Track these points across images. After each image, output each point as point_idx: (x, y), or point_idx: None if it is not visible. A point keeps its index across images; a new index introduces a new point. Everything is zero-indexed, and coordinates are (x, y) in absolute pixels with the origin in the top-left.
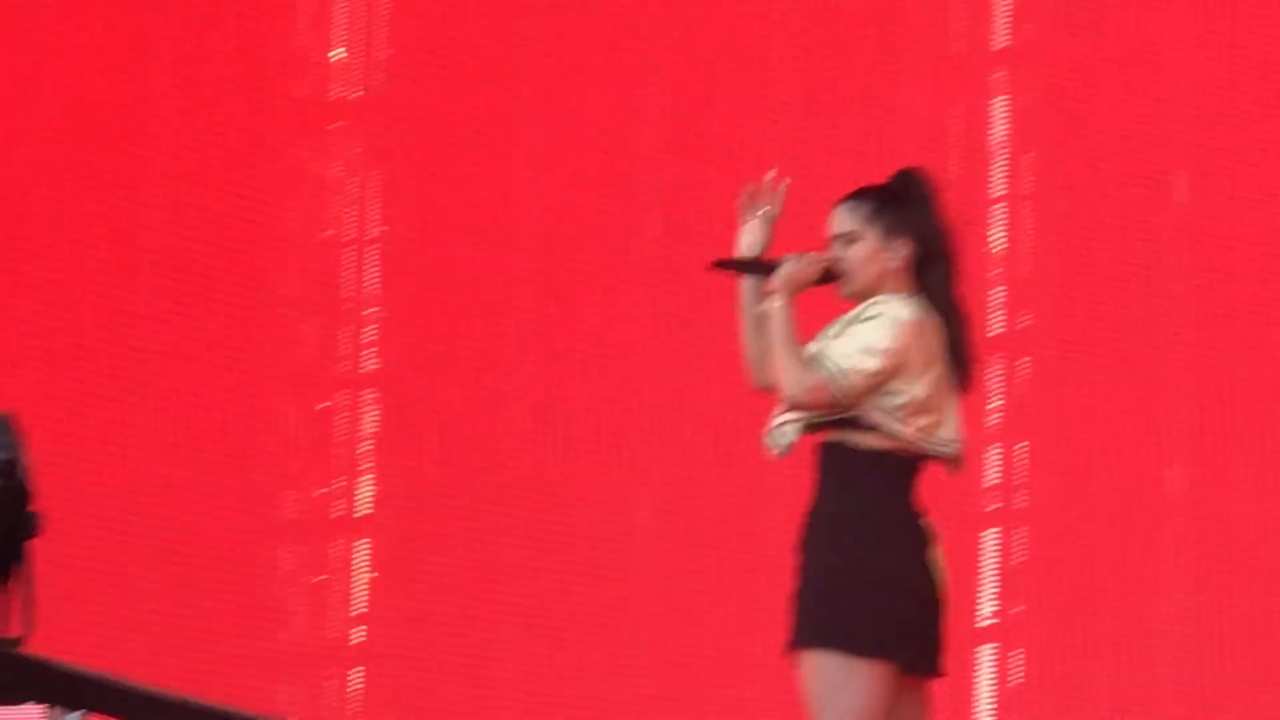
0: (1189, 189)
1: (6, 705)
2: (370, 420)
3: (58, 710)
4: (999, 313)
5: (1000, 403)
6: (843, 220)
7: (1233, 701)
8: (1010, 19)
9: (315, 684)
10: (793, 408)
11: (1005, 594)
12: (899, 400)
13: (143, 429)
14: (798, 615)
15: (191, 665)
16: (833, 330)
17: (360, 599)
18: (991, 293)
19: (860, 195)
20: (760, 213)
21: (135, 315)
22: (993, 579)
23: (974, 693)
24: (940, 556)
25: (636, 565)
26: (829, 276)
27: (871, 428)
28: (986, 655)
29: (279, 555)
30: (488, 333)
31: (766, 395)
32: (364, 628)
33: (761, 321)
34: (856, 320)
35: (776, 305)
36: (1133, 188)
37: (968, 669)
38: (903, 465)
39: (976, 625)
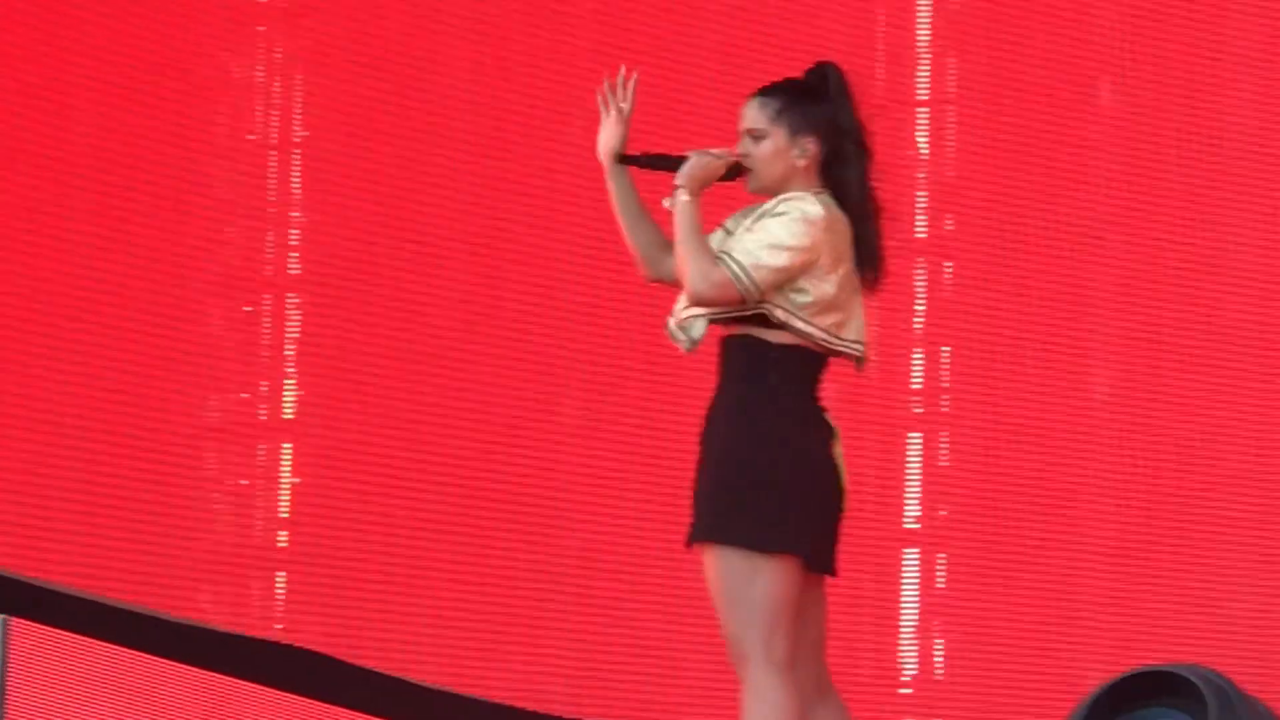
0: (1113, 92)
1: None
2: (294, 324)
3: None
4: (922, 217)
5: (923, 307)
6: (751, 116)
7: (1158, 603)
8: None
9: (239, 588)
10: (697, 303)
11: (928, 498)
12: (807, 298)
13: (67, 330)
14: (701, 509)
15: (115, 569)
16: (736, 224)
17: (282, 503)
18: (916, 197)
19: (769, 91)
20: (614, 110)
21: (60, 218)
22: (917, 482)
23: (899, 596)
24: (840, 453)
25: (563, 460)
26: (735, 172)
27: (778, 324)
28: (910, 559)
29: (204, 459)
30: (411, 236)
31: (659, 286)
32: (285, 532)
33: (642, 214)
34: (766, 215)
35: (682, 200)
36: (1057, 91)
37: (893, 573)
38: (808, 361)
39: (903, 530)
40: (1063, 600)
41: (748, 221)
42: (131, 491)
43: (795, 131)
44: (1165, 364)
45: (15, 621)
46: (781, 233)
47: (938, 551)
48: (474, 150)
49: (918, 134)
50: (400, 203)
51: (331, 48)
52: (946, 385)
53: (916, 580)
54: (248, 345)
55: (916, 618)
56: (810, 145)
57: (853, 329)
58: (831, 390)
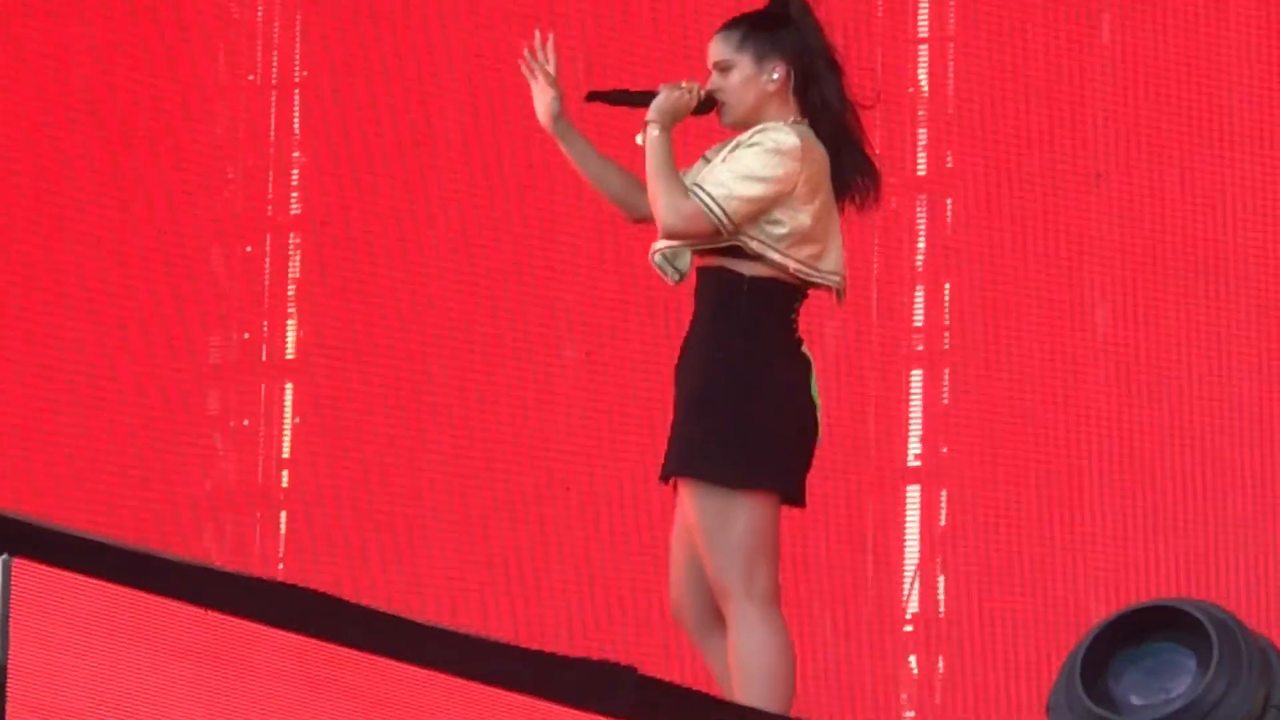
0: (1115, 28)
1: None
2: (295, 264)
3: None
4: (923, 154)
5: (924, 244)
6: (716, 49)
7: (1157, 535)
8: None
9: (241, 527)
10: (669, 236)
11: (930, 435)
12: (782, 229)
13: (68, 273)
14: (678, 444)
15: (117, 508)
16: (717, 153)
17: (284, 443)
18: (917, 134)
19: (732, 23)
20: (540, 74)
21: (62, 160)
22: (919, 419)
23: (902, 534)
24: (816, 386)
25: (564, 398)
26: (707, 106)
27: (753, 256)
28: (912, 496)
29: (206, 399)
30: (412, 175)
31: (643, 226)
32: (287, 472)
33: (605, 163)
34: (740, 146)
35: (653, 135)
36: (1059, 27)
37: (896, 510)
38: (783, 293)
39: (904, 465)
40: (1065, 536)
41: (722, 152)
42: (134, 432)
43: (761, 57)
44: (1166, 298)
45: (17, 561)
46: (754, 163)
47: (940, 488)
48: (475, 89)
49: (919, 71)
50: (401, 142)
51: None
52: (948, 322)
53: (919, 517)
54: (249, 286)
55: (919, 555)
56: (778, 69)
57: (831, 260)
58: (833, 327)
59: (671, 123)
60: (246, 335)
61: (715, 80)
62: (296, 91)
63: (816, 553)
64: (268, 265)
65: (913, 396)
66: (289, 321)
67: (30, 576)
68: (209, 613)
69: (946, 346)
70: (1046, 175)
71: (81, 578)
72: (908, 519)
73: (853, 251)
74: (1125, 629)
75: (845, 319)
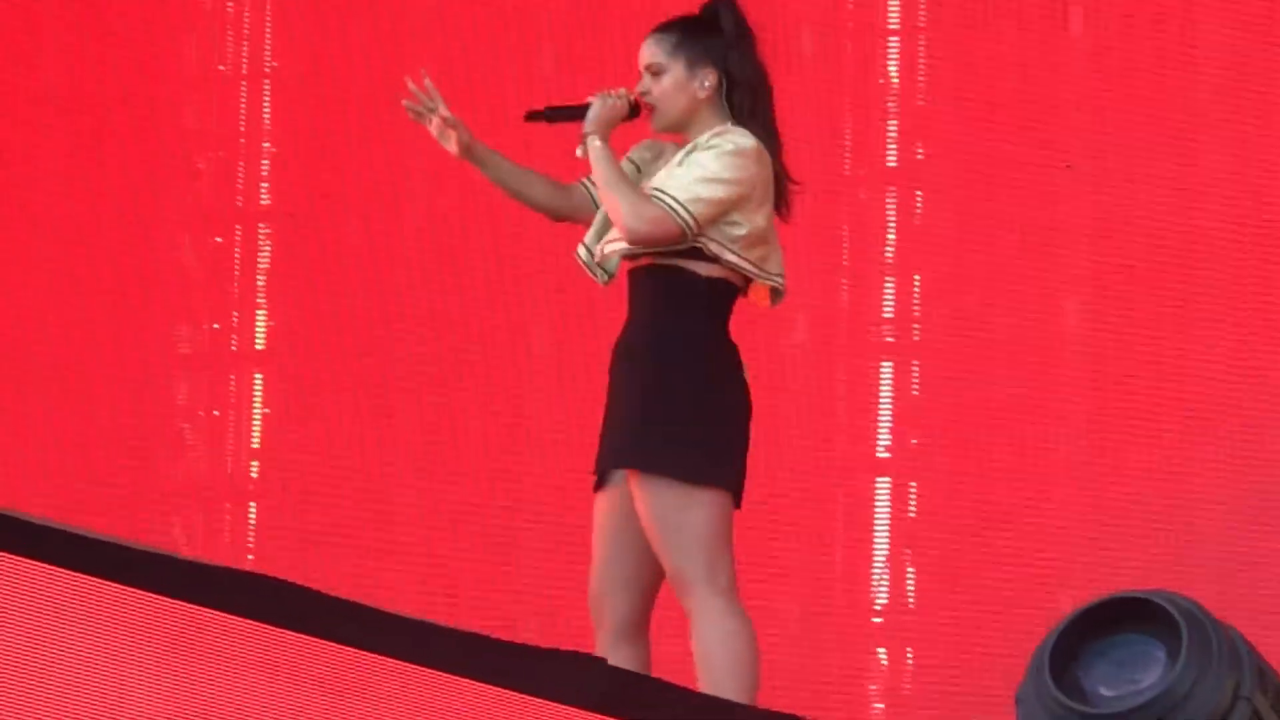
0: (1085, 19)
1: None
2: (265, 255)
3: None
4: (893, 146)
5: (894, 236)
6: (649, 52)
7: (1127, 527)
8: None
9: (211, 518)
10: (635, 241)
11: (900, 427)
12: (740, 230)
13: (37, 264)
14: (633, 438)
15: (86, 499)
16: (641, 155)
17: (253, 434)
18: (886, 126)
19: (665, 27)
20: (435, 119)
21: (31, 150)
22: (888, 411)
23: (871, 526)
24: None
25: (531, 394)
26: (637, 110)
27: (710, 257)
28: (882, 488)
29: (175, 389)
30: (383, 165)
31: (560, 223)
32: (256, 463)
33: (522, 173)
34: (697, 149)
35: (595, 147)
36: (1029, 18)
37: (865, 502)
38: (730, 294)
39: (873, 457)
40: (1034, 528)
41: (677, 156)
42: (102, 422)
43: (694, 64)
44: (1137, 292)
45: None
46: (716, 165)
47: (909, 480)
48: (447, 78)
49: (888, 63)
50: (371, 133)
51: None
52: (917, 314)
53: (888, 509)
54: (219, 276)
55: (888, 547)
56: (710, 77)
57: (775, 261)
58: (803, 319)
59: (608, 131)
60: (216, 326)
61: (646, 83)
62: (267, 82)
63: (785, 544)
64: (237, 256)
65: (882, 388)
66: (259, 312)
67: None
68: (177, 602)
69: (916, 338)
70: (1017, 167)
71: (50, 569)
72: (877, 510)
73: (822, 243)
74: (1094, 620)
75: (815, 309)
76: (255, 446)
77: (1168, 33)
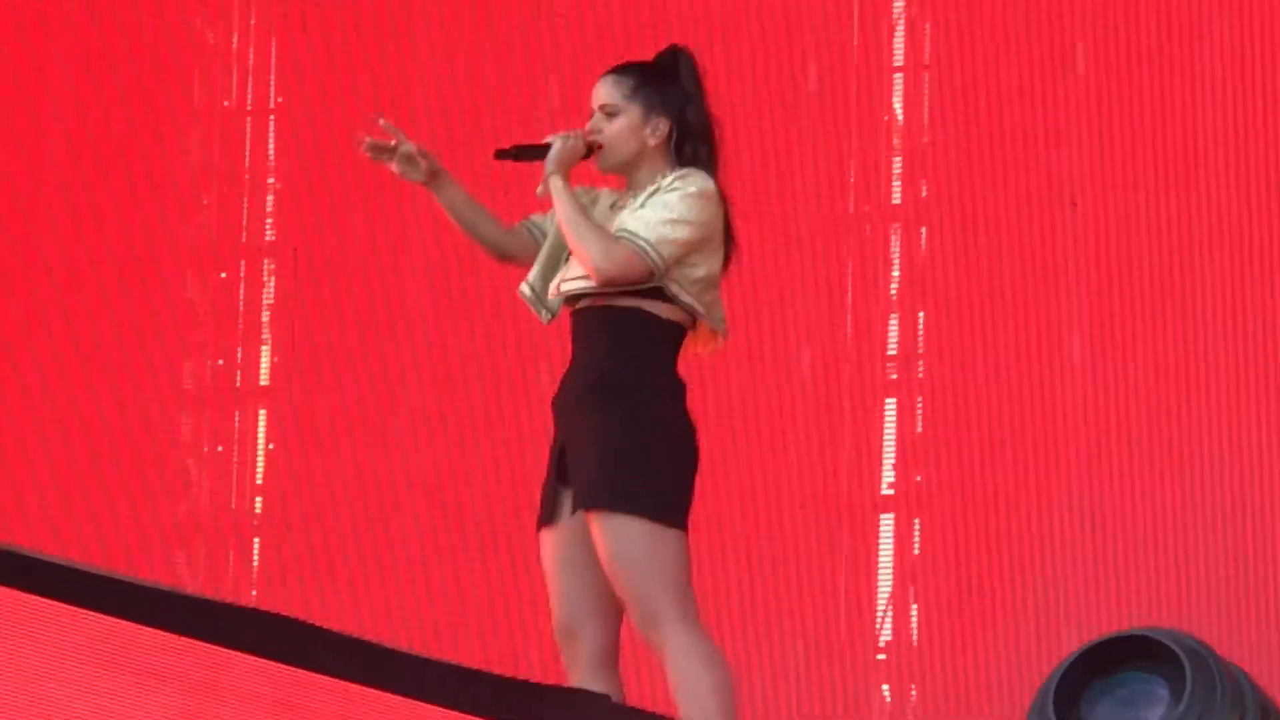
0: (1089, 58)
1: None
2: (269, 291)
3: None
4: (897, 183)
5: (899, 273)
6: (605, 92)
7: (1130, 564)
8: None
9: (215, 553)
10: (604, 281)
11: (904, 464)
12: (699, 272)
13: (42, 299)
14: (600, 477)
15: (90, 534)
16: (610, 200)
17: (258, 469)
18: (891, 163)
19: (624, 70)
20: (399, 158)
21: (36, 186)
22: (892, 449)
23: (875, 562)
24: None
25: (537, 424)
26: (590, 150)
27: (668, 299)
28: (886, 525)
29: (180, 425)
30: (385, 202)
31: (504, 263)
32: (260, 499)
33: (477, 209)
34: (660, 191)
35: (559, 186)
36: (1033, 57)
37: (869, 539)
38: (681, 335)
39: (880, 495)
40: (1038, 565)
41: (639, 198)
42: (107, 458)
43: (649, 110)
44: (1139, 329)
45: None
46: (681, 207)
47: (913, 517)
48: (449, 115)
49: (894, 100)
50: (374, 168)
51: (305, 14)
52: (922, 351)
53: (892, 546)
54: (223, 311)
55: (892, 583)
56: (663, 125)
57: (719, 306)
58: (807, 354)
59: (568, 170)
60: (221, 361)
61: (598, 121)
62: (271, 117)
63: (790, 580)
64: (242, 291)
65: (886, 424)
66: (263, 347)
67: (3, 602)
68: (182, 638)
69: (920, 375)
70: (1021, 204)
71: (55, 604)
72: (881, 547)
73: (827, 279)
74: (1098, 658)
75: (819, 345)
76: (259, 482)
77: (1171, 71)
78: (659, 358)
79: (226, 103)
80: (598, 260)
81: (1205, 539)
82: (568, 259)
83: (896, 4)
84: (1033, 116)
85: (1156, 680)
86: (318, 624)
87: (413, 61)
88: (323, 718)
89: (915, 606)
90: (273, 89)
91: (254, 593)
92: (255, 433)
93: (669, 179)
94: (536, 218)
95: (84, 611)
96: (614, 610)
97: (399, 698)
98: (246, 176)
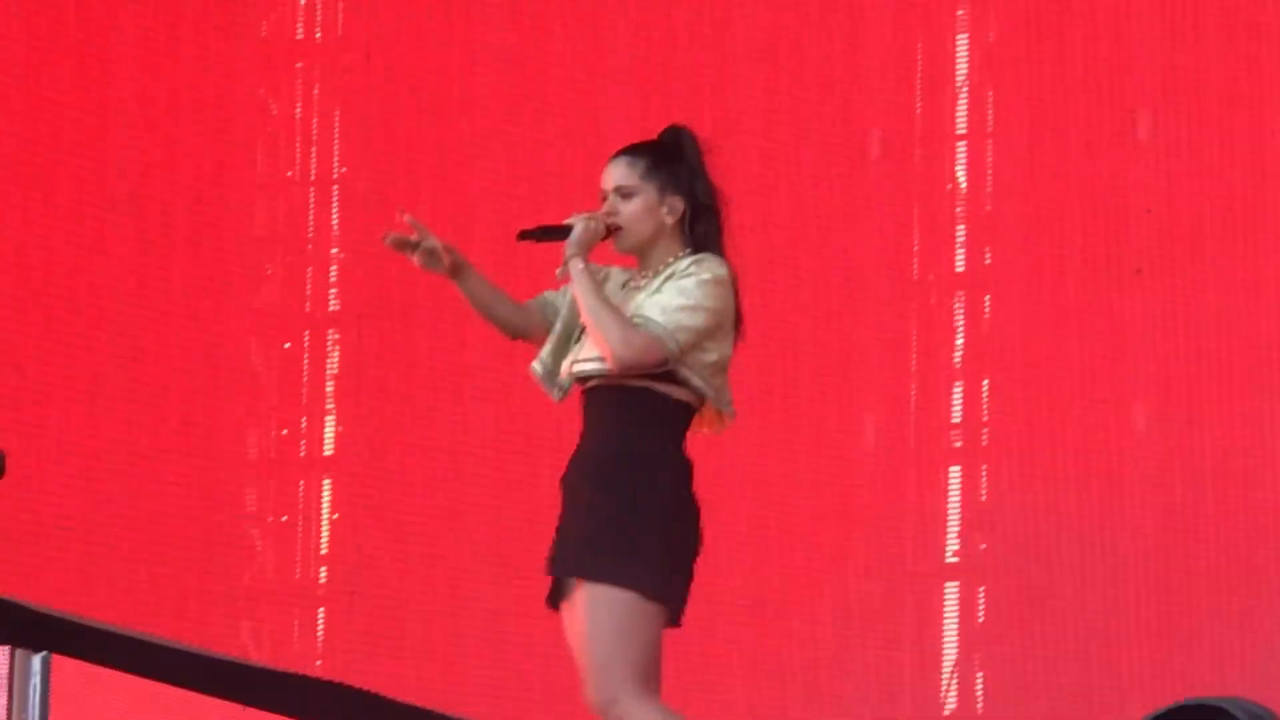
0: (1152, 126)
1: None
2: (333, 359)
3: (21, 651)
4: (961, 251)
5: (963, 340)
6: (620, 174)
7: (1199, 634)
8: None
9: (280, 623)
10: (623, 368)
11: (968, 531)
12: (711, 357)
13: (108, 368)
14: (598, 549)
15: (156, 605)
16: (622, 279)
17: (322, 538)
18: (955, 231)
19: (635, 151)
20: (421, 253)
21: (102, 255)
22: (956, 516)
23: (940, 631)
24: None
25: None
26: (609, 232)
27: (680, 381)
28: (951, 593)
29: (244, 494)
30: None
31: (520, 341)
32: (325, 568)
33: (496, 294)
34: (676, 276)
35: (579, 269)
36: (1096, 125)
37: (934, 607)
38: (690, 415)
39: (944, 562)
40: (1104, 634)
41: (654, 283)
42: (172, 528)
43: (664, 190)
44: (1205, 396)
45: (56, 657)
46: (698, 294)
47: (978, 585)
48: (511, 184)
49: (957, 168)
50: (439, 237)
51: (369, 84)
52: (986, 419)
53: (957, 614)
54: (287, 381)
55: (957, 652)
56: (678, 204)
57: (728, 389)
58: (871, 423)
59: (588, 252)
60: (285, 431)
61: (613, 203)
62: (335, 187)
63: (855, 649)
64: (306, 361)
65: (951, 493)
66: (327, 417)
67: (70, 673)
68: (247, 710)
69: (984, 443)
70: (1085, 271)
71: (120, 674)
72: (946, 615)
73: (891, 347)
74: None
75: (885, 413)
76: (323, 552)
77: (1235, 136)
78: (666, 437)
79: (290, 173)
80: (616, 347)
81: (1273, 606)
82: (579, 338)
83: (959, 72)
84: (1096, 183)
85: None
86: (383, 694)
87: (473, 132)
88: None
89: (980, 675)
90: (336, 159)
91: (319, 663)
92: (320, 502)
93: (685, 264)
94: (550, 295)
95: (152, 682)
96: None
97: None
98: (310, 246)
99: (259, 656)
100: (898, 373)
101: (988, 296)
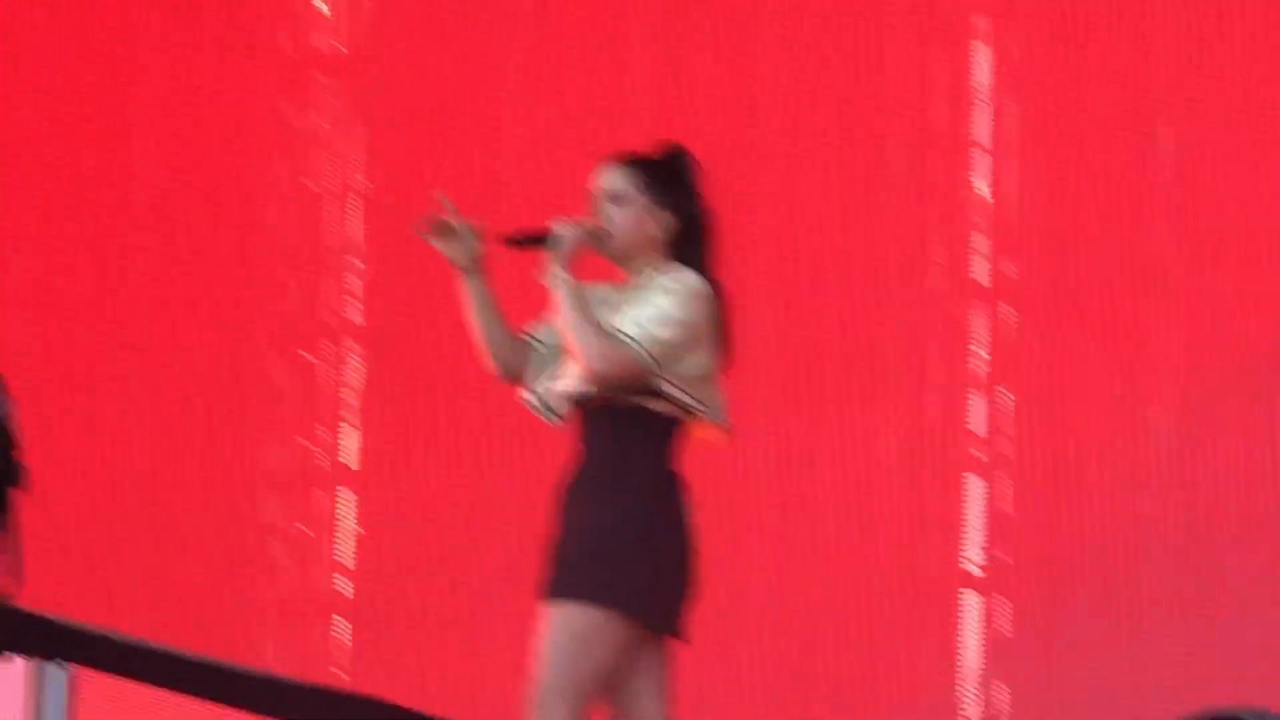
0: (1175, 138)
1: None
2: (354, 372)
3: (45, 664)
4: (984, 261)
5: (984, 351)
6: (617, 180)
7: (1223, 642)
8: None
9: (300, 636)
10: (599, 381)
11: (990, 542)
12: (690, 370)
13: (128, 380)
14: (568, 568)
15: (176, 617)
16: (605, 295)
17: (344, 551)
18: (976, 241)
19: (634, 161)
20: (454, 233)
21: (123, 268)
22: (978, 527)
23: (961, 642)
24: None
25: None
26: (597, 239)
27: (663, 395)
28: (972, 604)
29: (264, 506)
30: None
31: (505, 381)
32: (348, 581)
33: (499, 317)
34: (650, 289)
35: (561, 277)
36: (1118, 136)
37: (955, 618)
38: (678, 429)
39: (964, 574)
40: (1127, 645)
41: (627, 296)
42: (194, 540)
43: (658, 204)
44: (1229, 406)
45: (81, 671)
46: (671, 306)
47: (999, 597)
48: (533, 197)
49: (978, 179)
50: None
51: (391, 96)
52: (1008, 429)
53: (979, 626)
54: (308, 393)
55: (979, 664)
56: (670, 220)
57: (718, 400)
58: (891, 433)
59: (573, 260)
60: (305, 443)
61: (606, 209)
62: (356, 199)
63: (875, 661)
64: (327, 373)
65: (971, 504)
66: (348, 429)
67: (94, 687)
68: None
69: (1006, 454)
70: (1107, 283)
71: (142, 686)
72: (966, 627)
73: (910, 358)
74: None
75: (905, 423)
76: (346, 564)
77: (1256, 148)
78: (654, 453)
79: (311, 185)
80: (593, 360)
81: None
82: (556, 358)
83: (981, 83)
84: (1118, 195)
85: None
86: (406, 706)
87: (497, 145)
88: None
89: (1003, 687)
90: (358, 171)
91: (345, 676)
92: (341, 514)
93: (659, 278)
94: (538, 332)
95: (171, 694)
96: (644, 699)
97: None
98: (331, 258)
99: (282, 669)
100: (918, 383)
101: (1009, 307)
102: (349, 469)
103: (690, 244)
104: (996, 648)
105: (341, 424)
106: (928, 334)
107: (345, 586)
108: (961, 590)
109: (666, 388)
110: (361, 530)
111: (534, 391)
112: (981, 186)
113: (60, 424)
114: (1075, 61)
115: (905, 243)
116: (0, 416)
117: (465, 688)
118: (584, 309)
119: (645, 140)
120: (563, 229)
